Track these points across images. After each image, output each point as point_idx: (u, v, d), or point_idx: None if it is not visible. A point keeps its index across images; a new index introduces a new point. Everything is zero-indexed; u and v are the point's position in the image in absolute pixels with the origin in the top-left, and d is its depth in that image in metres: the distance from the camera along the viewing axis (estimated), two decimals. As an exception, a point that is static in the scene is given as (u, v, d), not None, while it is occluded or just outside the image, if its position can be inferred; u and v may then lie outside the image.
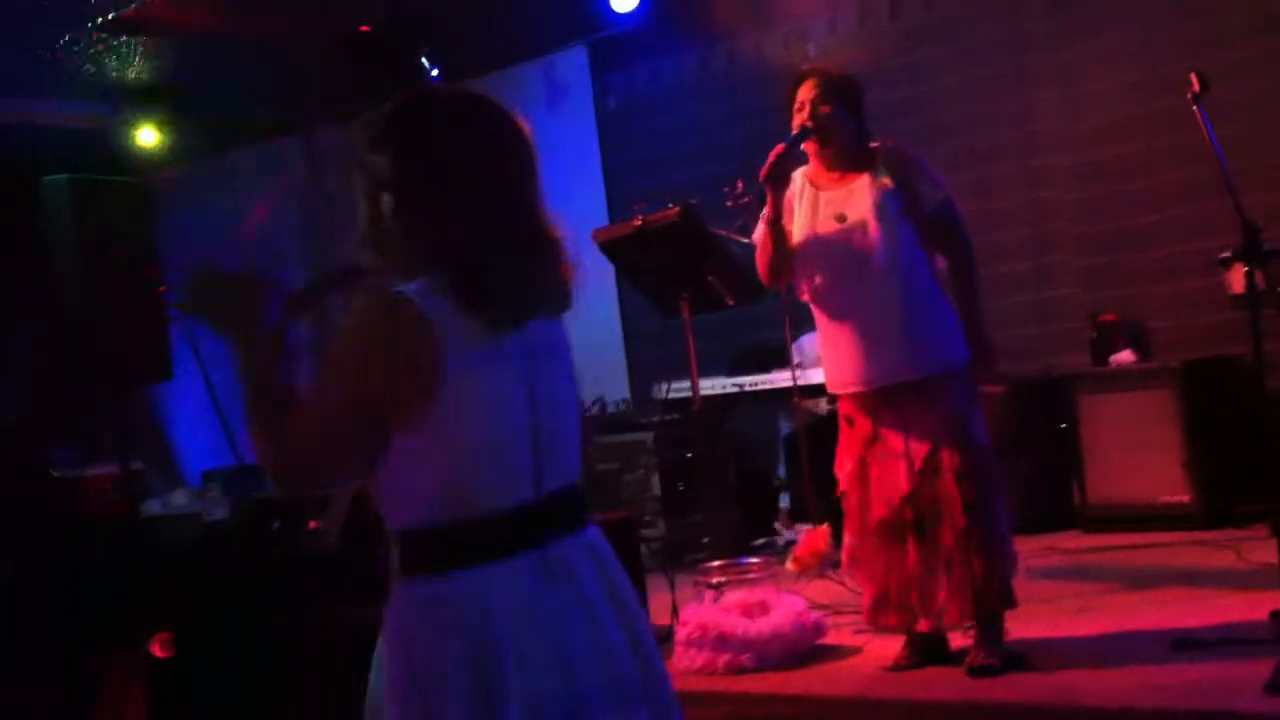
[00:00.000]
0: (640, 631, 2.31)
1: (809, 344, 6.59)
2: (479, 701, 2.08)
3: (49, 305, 5.15)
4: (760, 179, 4.40)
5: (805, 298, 4.47)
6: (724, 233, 6.10)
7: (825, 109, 4.34)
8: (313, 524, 5.06)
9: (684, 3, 8.53)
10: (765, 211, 4.44)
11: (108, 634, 4.83)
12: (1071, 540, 6.37)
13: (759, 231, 4.48)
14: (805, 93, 4.40)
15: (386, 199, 2.27)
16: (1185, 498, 6.28)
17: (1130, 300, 7.07)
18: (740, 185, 5.98)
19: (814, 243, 4.36)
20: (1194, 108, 4.20)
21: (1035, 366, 7.21)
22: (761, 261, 4.49)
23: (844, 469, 4.42)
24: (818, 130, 4.37)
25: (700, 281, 5.81)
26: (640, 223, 5.66)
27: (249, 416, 2.20)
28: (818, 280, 4.38)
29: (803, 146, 4.41)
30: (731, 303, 5.89)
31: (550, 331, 2.35)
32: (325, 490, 2.89)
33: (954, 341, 4.30)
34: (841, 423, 4.45)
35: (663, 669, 2.36)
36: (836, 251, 4.32)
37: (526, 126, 2.41)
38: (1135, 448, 6.42)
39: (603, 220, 8.43)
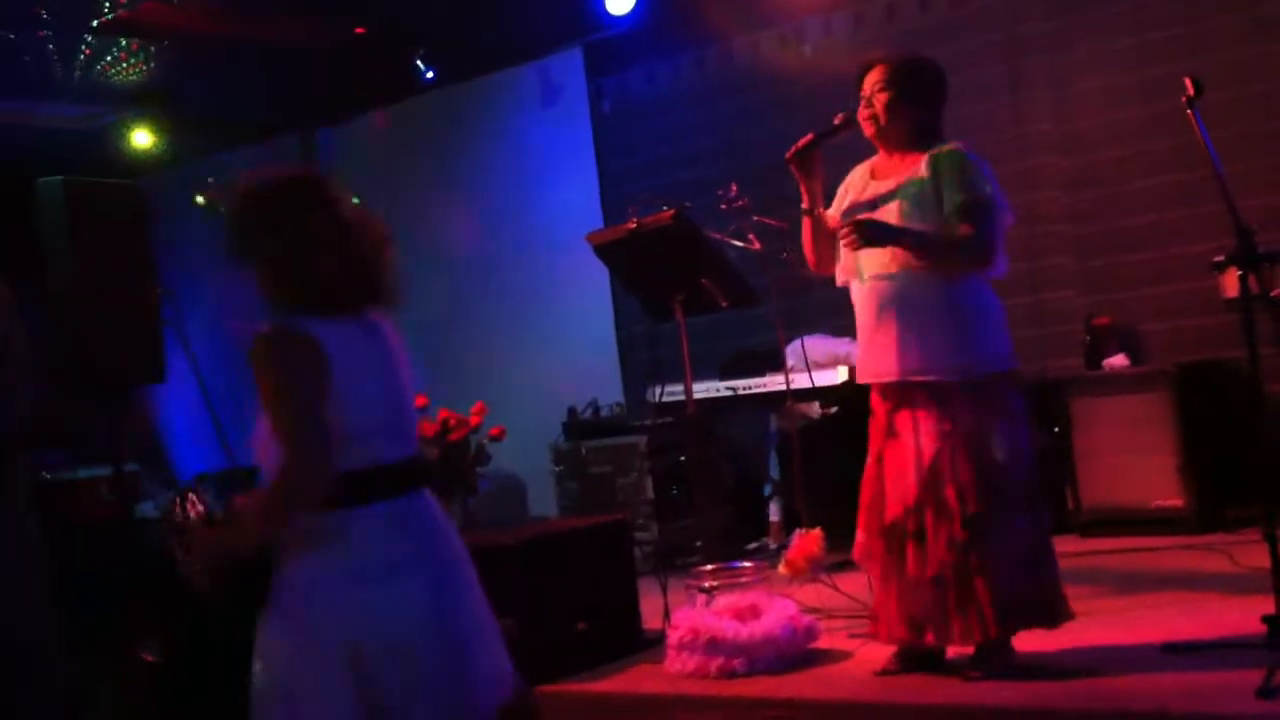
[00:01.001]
0: (452, 582, 2.94)
1: (803, 347, 6.60)
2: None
3: (43, 308, 5.14)
4: (786, 158, 4.39)
5: (839, 284, 4.46)
6: (718, 236, 6.10)
7: (883, 97, 4.29)
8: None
9: (679, 5, 8.53)
10: (803, 203, 4.44)
11: (101, 636, 4.83)
12: (1065, 544, 6.29)
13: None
14: (868, 81, 4.34)
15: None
16: (1179, 502, 6.29)
17: (1124, 304, 7.08)
18: (734, 188, 5.98)
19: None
20: (1188, 111, 4.20)
21: (1029, 370, 7.20)
22: (805, 249, 4.50)
23: (867, 463, 4.39)
24: (849, 125, 4.36)
25: (694, 285, 5.80)
26: (634, 226, 5.65)
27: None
28: (847, 269, 4.36)
29: (868, 136, 4.37)
30: (725, 306, 5.89)
31: (389, 329, 3.00)
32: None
33: (978, 351, 4.19)
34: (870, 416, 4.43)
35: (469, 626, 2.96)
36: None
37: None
38: (1129, 452, 6.43)
39: (597, 223, 8.43)
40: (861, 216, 4.21)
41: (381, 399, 2.91)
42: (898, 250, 4.19)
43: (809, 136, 4.40)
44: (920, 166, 4.23)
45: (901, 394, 4.26)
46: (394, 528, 2.86)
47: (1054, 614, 4.22)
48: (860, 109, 4.36)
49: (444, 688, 2.84)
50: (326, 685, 2.75)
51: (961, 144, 4.28)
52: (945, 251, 4.19)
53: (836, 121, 4.43)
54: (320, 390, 2.78)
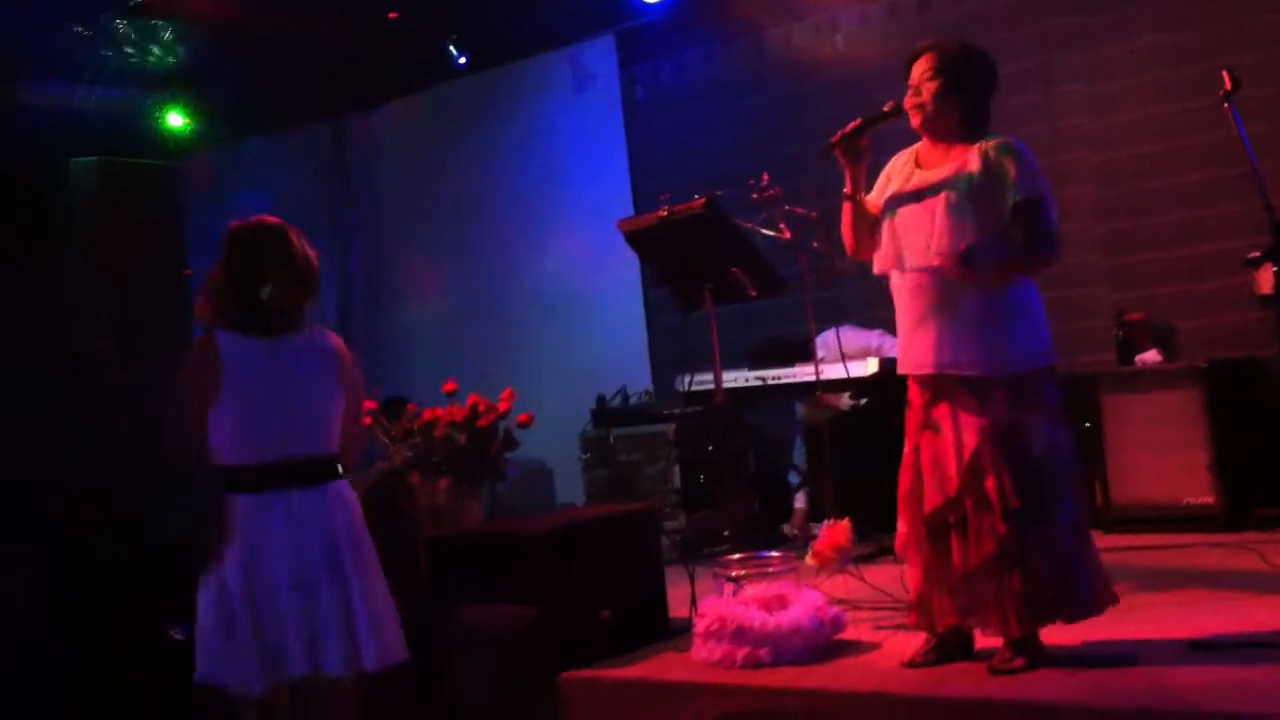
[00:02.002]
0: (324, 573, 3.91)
1: (833, 338, 6.58)
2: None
3: (74, 286, 5.17)
4: (831, 142, 4.37)
5: (876, 271, 4.43)
6: (748, 225, 6.10)
7: (931, 85, 4.24)
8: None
9: (713, -8, 8.53)
10: (845, 189, 4.41)
11: (111, 625, 4.85)
12: (1094, 540, 6.33)
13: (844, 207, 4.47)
14: (916, 69, 4.30)
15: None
16: (1209, 499, 6.25)
17: (1154, 300, 7.04)
18: (765, 178, 5.97)
19: (889, 219, 4.31)
20: (1225, 105, 4.17)
21: (1060, 364, 7.17)
22: (844, 234, 4.48)
23: (904, 453, 4.37)
24: (897, 112, 4.33)
25: (724, 274, 5.81)
26: (665, 214, 5.66)
27: None
28: (887, 257, 4.34)
29: (914, 125, 4.33)
30: (754, 295, 5.88)
31: (301, 344, 4.04)
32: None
33: (1013, 347, 4.16)
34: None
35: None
36: (907, 231, 4.26)
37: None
38: (1159, 448, 6.39)
39: (628, 210, 8.43)
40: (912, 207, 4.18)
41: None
42: (941, 243, 4.15)
43: (856, 121, 4.37)
44: (971, 159, 4.18)
45: (939, 387, 4.24)
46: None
47: (1093, 604, 4.19)
48: (908, 96, 4.32)
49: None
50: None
51: (1011, 137, 4.23)
52: (1034, 257, 4.17)
53: (886, 108, 4.39)
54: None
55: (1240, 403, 6.34)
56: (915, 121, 4.33)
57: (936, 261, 4.16)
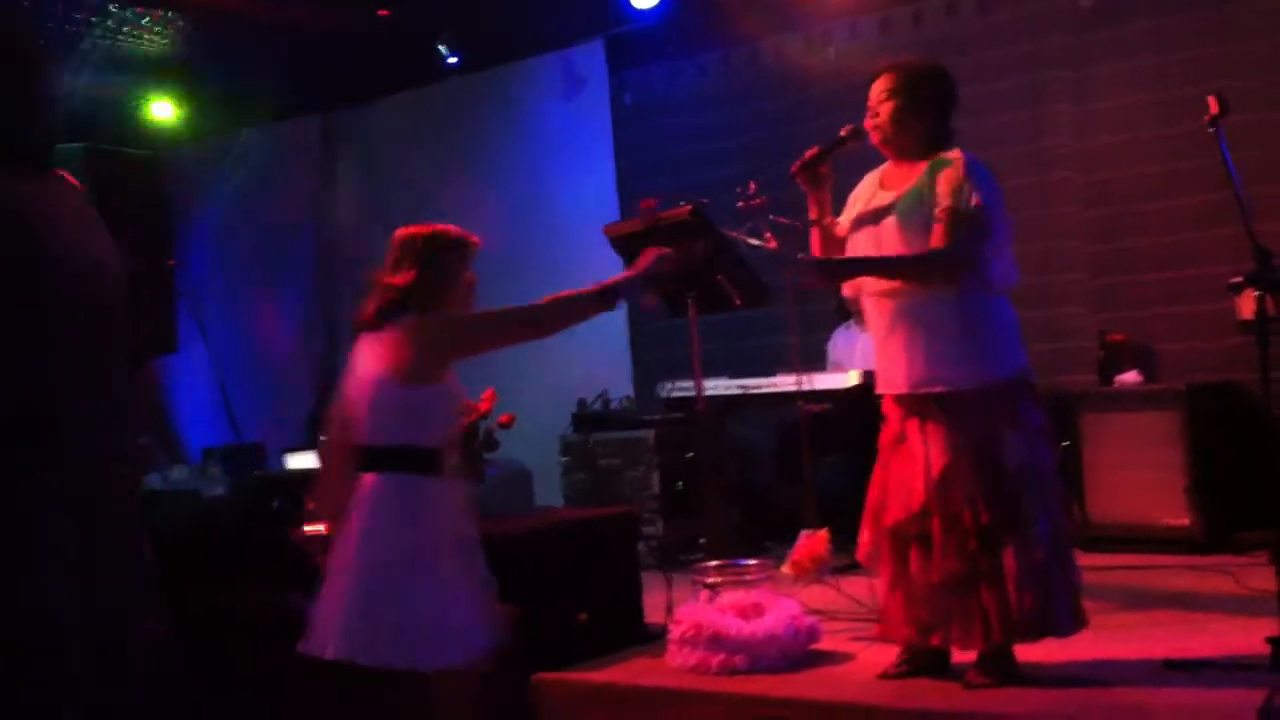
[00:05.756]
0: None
1: (834, 346, 6.58)
2: None
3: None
4: (791, 172, 4.39)
5: (845, 295, 4.46)
6: (734, 234, 6.09)
7: (888, 106, 4.26)
8: (310, 504, 5.05)
9: (705, 2, 8.53)
10: (810, 214, 4.44)
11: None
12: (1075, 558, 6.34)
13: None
14: (874, 90, 4.31)
15: None
16: (1186, 521, 6.28)
17: (1137, 322, 7.07)
18: (753, 186, 5.95)
19: (853, 241, 4.33)
20: (1210, 130, 4.19)
21: (1042, 383, 7.19)
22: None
23: (875, 467, 4.39)
24: (856, 135, 4.35)
25: (708, 281, 5.80)
26: (652, 219, 5.65)
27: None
28: (853, 281, 4.36)
29: (874, 144, 4.35)
30: (739, 304, 5.88)
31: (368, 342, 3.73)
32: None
33: (985, 360, 4.17)
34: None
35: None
36: (865, 252, 4.28)
37: None
38: (1138, 469, 6.42)
39: (614, 215, 8.42)
40: (858, 237, 4.19)
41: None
42: None
43: (814, 149, 4.39)
44: (920, 176, 4.21)
45: (913, 403, 4.26)
46: None
47: (1066, 624, 4.17)
48: (867, 118, 4.34)
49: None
50: None
51: (965, 152, 4.23)
52: (913, 268, 4.17)
53: (843, 133, 4.42)
54: None
55: (1219, 426, 6.38)
56: (875, 141, 4.35)
57: (897, 284, 4.20)
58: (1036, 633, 4.14)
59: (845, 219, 4.44)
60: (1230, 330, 6.34)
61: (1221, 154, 4.20)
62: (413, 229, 3.87)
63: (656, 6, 8.38)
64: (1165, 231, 7.04)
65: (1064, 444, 6.62)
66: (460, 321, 3.81)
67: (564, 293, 3.85)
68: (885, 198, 4.30)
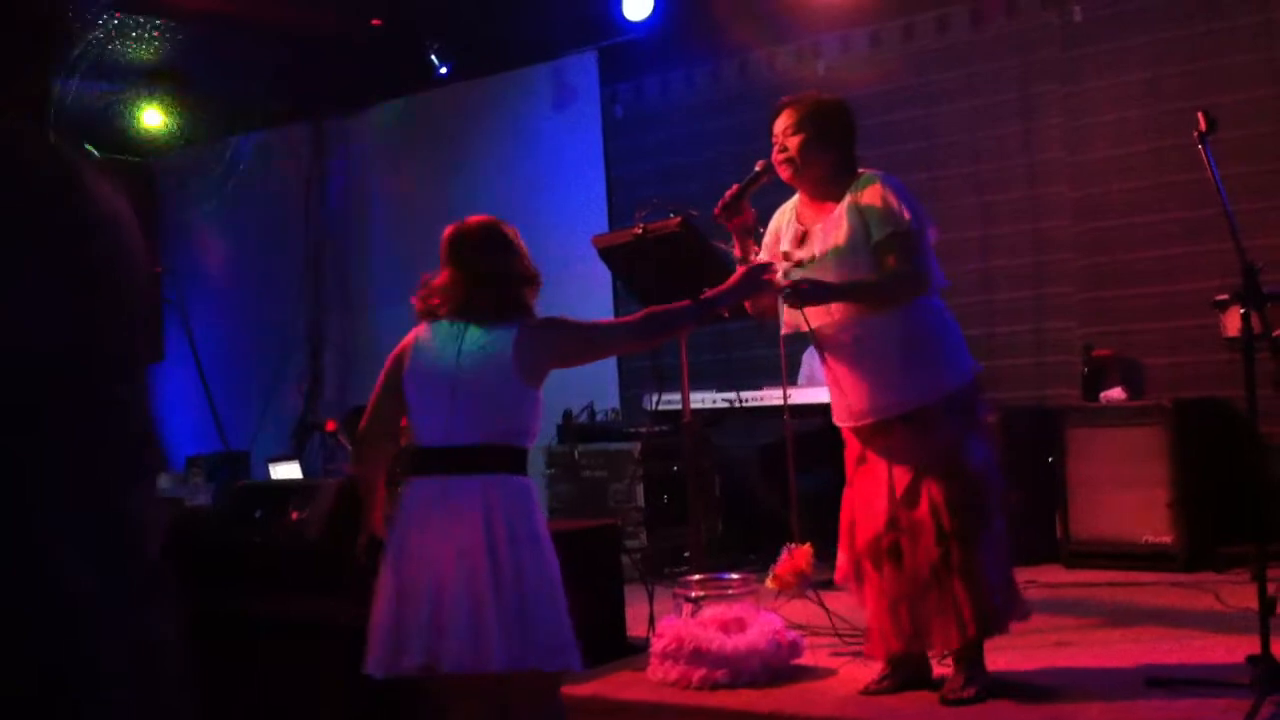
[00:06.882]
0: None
1: (808, 358, 6.58)
2: None
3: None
4: (714, 215, 4.40)
5: (784, 334, 4.46)
6: (723, 246, 6.09)
7: (796, 139, 4.30)
8: (294, 515, 5.04)
9: (697, 15, 8.53)
10: (735, 253, 4.45)
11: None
12: (1052, 574, 6.36)
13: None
14: (778, 126, 4.36)
15: None
16: (1168, 538, 6.27)
17: (1125, 336, 7.08)
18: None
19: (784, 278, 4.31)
20: (1199, 146, 4.19)
21: (1029, 397, 7.21)
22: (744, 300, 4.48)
23: (845, 488, 4.43)
24: (769, 170, 4.38)
25: (696, 294, 5.79)
26: (640, 231, 5.65)
27: None
28: (791, 319, 4.35)
29: (785, 179, 4.38)
30: (726, 316, 5.87)
31: (484, 338, 3.56)
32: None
33: (943, 368, 4.24)
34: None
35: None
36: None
37: None
38: (1121, 485, 6.42)
39: (603, 227, 8.42)
40: (798, 276, 4.21)
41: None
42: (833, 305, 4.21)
43: (734, 188, 4.40)
44: (842, 215, 4.23)
45: (872, 429, 4.30)
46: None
47: (1024, 610, 4.31)
48: (774, 152, 4.37)
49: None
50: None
51: (874, 171, 4.31)
52: (883, 293, 4.22)
53: (758, 167, 4.43)
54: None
55: (1203, 443, 6.37)
56: (785, 175, 4.38)
57: (836, 317, 4.23)
58: (1005, 624, 4.23)
59: (766, 254, 4.43)
60: (1217, 347, 6.34)
61: (1210, 170, 4.20)
62: (480, 218, 3.89)
63: (648, 18, 8.37)
64: (1156, 246, 7.05)
65: (1048, 459, 6.64)
66: (583, 328, 3.73)
67: (659, 306, 3.78)
68: (809, 230, 4.32)
